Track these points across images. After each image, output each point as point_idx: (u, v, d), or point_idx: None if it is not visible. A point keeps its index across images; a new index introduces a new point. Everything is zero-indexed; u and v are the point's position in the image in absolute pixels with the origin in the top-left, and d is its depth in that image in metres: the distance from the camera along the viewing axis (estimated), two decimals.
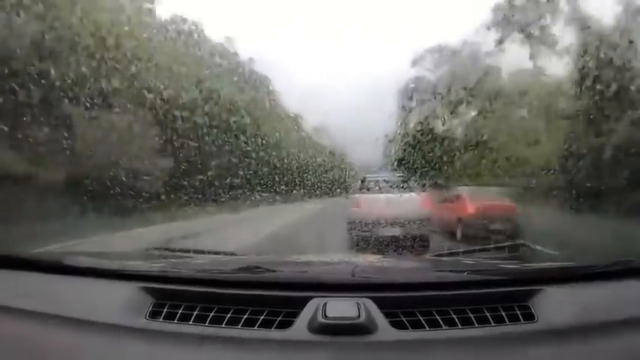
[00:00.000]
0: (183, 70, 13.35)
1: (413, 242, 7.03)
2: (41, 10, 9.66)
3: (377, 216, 7.44)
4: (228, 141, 13.30)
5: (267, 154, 15.33)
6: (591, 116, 9.91)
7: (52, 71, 9.24)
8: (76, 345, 1.48)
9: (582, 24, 11.17)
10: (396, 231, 7.32)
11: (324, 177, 16.48)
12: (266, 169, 14.76)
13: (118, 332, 1.52)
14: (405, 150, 13.20)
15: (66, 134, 9.31)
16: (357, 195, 8.35)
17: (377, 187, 8.63)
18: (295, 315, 1.52)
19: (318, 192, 15.15)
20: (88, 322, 1.56)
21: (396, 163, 12.81)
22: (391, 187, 8.49)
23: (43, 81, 9.13)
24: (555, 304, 1.62)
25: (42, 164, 8.92)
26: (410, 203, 7.80)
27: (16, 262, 2.00)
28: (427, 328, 1.51)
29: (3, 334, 1.53)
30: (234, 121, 14.03)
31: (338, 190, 16.00)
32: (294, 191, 15.63)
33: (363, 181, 9.26)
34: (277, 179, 14.59)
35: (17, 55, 9.00)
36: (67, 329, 1.54)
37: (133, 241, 8.25)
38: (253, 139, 14.37)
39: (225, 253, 2.56)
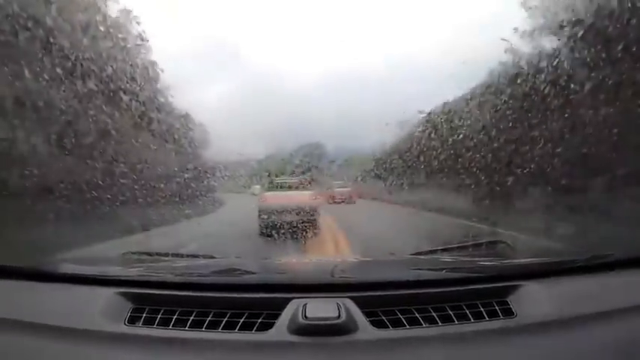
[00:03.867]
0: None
1: (306, 225, 9.56)
2: (15, 9, 9.45)
3: (280, 206, 10.08)
4: None
5: None
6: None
7: (26, 72, 9.04)
8: (55, 352, 1.46)
9: None
10: (294, 217, 9.77)
11: None
12: None
13: (97, 338, 1.50)
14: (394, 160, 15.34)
15: (40, 138, 9.11)
16: (267, 193, 11.20)
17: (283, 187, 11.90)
18: (276, 317, 1.52)
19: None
20: (66, 329, 1.53)
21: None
22: (290, 187, 11.72)
23: (16, 83, 8.92)
24: (534, 299, 1.65)
25: (13, 169, 8.68)
26: (303, 198, 10.69)
27: None
28: (407, 327, 1.52)
29: None
30: None
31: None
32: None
33: (271, 183, 12.49)
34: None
35: None
36: (44, 336, 1.51)
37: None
38: None
39: (204, 256, 2.54)
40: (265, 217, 9.97)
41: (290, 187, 11.79)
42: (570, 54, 9.35)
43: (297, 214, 9.92)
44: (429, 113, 14.25)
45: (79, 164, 9.70)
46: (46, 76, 9.22)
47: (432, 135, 13.36)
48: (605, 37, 8.27)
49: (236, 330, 1.51)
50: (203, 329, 1.52)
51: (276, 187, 11.90)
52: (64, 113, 9.55)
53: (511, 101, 10.59)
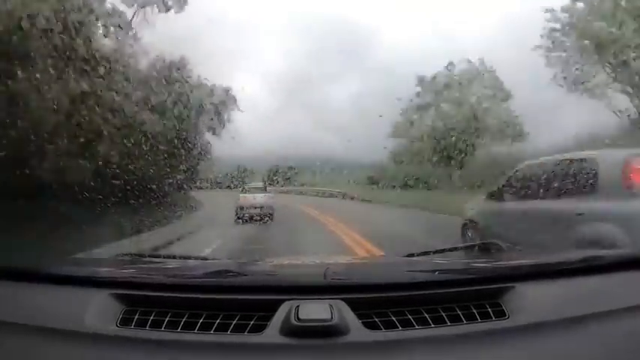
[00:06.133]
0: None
1: (265, 215, 15.90)
2: (9, 8, 9.38)
3: (248, 203, 16.35)
4: None
5: None
6: None
7: (19, 72, 8.97)
8: (45, 354, 1.44)
9: None
10: (257, 210, 16.00)
11: None
12: None
13: (89, 340, 1.49)
14: None
15: (33, 137, 9.05)
16: (241, 194, 17.10)
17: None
18: (268, 318, 1.51)
19: None
20: (57, 331, 1.52)
21: None
22: (256, 190, 17.59)
23: (9, 81, 8.86)
24: (526, 301, 1.65)
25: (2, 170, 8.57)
26: (264, 198, 16.88)
27: None
28: (400, 328, 1.52)
29: None
30: None
31: None
32: None
33: (244, 188, 18.25)
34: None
35: None
36: (35, 338, 1.49)
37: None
38: None
39: (196, 258, 2.53)
40: (240, 210, 16.23)
41: (256, 191, 17.53)
42: None
43: (258, 209, 16.22)
44: None
45: (72, 165, 9.65)
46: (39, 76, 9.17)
47: None
48: None
49: (228, 332, 1.50)
50: (195, 331, 1.51)
51: (248, 190, 17.70)
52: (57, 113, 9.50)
53: None
